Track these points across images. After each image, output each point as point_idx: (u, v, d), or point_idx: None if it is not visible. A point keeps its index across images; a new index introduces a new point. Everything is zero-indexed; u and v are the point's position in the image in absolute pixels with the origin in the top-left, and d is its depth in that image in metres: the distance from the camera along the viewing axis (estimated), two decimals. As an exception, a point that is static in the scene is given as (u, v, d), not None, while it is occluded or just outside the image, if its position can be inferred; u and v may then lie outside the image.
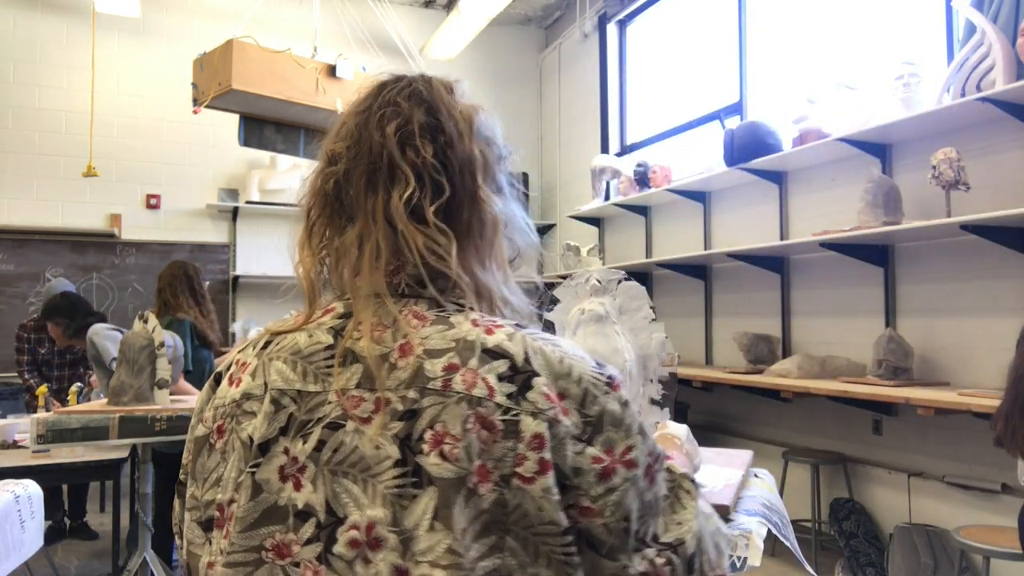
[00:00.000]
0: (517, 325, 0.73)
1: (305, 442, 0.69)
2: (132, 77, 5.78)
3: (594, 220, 6.12)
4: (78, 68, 5.53)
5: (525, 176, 6.94)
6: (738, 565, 1.20)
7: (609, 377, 0.71)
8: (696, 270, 4.93)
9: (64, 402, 3.53)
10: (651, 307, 1.63)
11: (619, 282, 1.64)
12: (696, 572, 0.71)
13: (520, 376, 0.68)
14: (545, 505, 0.64)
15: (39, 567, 2.89)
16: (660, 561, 0.68)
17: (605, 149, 6.11)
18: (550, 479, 0.64)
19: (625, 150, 6.05)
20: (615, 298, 1.64)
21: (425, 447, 0.65)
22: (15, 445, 2.81)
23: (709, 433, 4.77)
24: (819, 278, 4.08)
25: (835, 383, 3.43)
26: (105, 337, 2.91)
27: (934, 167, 3.04)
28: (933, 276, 3.43)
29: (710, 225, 4.93)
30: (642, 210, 5.53)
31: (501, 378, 0.67)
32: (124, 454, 2.93)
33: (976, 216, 2.91)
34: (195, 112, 4.43)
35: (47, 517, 2.42)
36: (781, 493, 3.43)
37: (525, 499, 0.64)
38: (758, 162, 4.12)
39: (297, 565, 0.66)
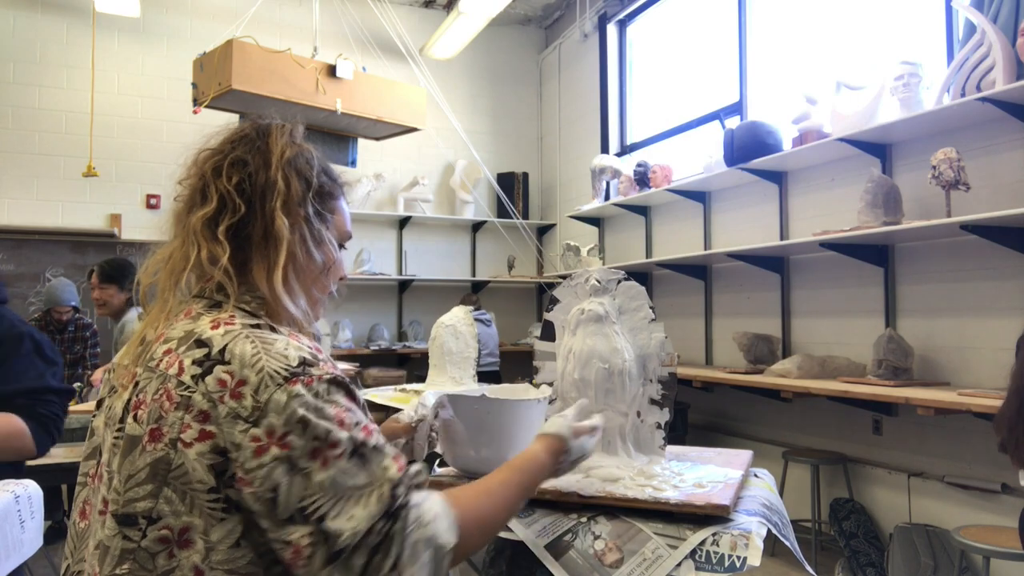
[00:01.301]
0: (255, 327, 0.87)
1: (110, 401, 0.94)
2: (132, 77, 5.77)
3: (594, 220, 6.12)
4: (78, 68, 5.53)
5: (525, 176, 6.95)
6: (738, 565, 1.20)
7: (291, 374, 0.81)
8: (696, 270, 4.93)
9: (64, 402, 3.52)
10: (651, 307, 1.63)
11: (619, 282, 1.64)
12: (343, 564, 0.77)
13: (209, 363, 0.82)
14: (198, 467, 0.79)
15: (39, 567, 2.89)
16: (305, 541, 0.77)
17: (605, 149, 6.10)
18: (206, 446, 0.79)
19: (625, 150, 6.05)
20: (615, 298, 1.64)
21: (131, 410, 0.85)
22: (15, 445, 2.79)
23: (709, 433, 4.77)
24: (819, 278, 4.08)
25: (835, 383, 3.42)
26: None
27: (934, 167, 3.04)
28: (933, 276, 3.43)
29: (710, 225, 4.93)
30: (642, 210, 5.53)
31: (195, 362, 0.83)
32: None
33: (976, 216, 2.91)
34: (195, 112, 4.43)
35: (47, 517, 2.41)
36: (781, 493, 3.43)
37: (186, 459, 0.80)
38: (758, 162, 4.12)
39: (97, 489, 0.91)
